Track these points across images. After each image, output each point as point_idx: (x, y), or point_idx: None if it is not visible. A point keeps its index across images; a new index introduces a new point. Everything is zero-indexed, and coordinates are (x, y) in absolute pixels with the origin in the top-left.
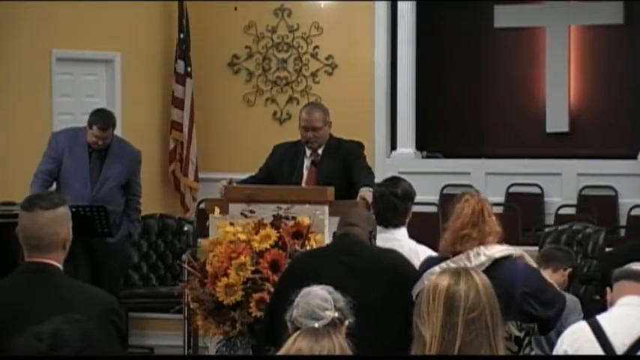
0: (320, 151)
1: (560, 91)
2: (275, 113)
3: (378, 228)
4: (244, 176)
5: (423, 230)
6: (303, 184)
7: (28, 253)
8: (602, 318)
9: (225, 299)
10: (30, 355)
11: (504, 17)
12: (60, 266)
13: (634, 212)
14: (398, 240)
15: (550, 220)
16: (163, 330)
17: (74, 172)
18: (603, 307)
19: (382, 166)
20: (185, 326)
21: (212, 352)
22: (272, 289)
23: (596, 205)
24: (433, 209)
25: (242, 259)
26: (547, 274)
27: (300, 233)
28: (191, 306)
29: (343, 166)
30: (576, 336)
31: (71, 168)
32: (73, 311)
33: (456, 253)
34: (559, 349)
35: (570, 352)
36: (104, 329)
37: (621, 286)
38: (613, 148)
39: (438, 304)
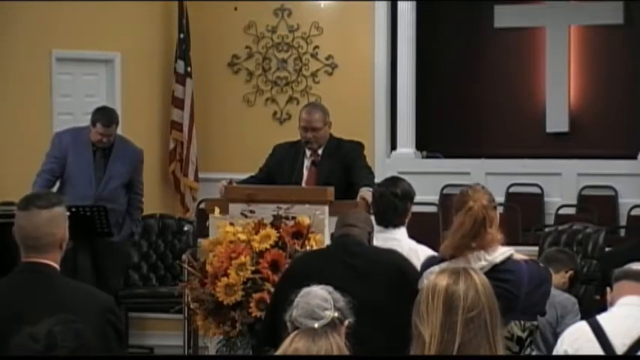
0: (320, 152)
1: (560, 91)
2: (275, 113)
3: (378, 228)
4: (244, 176)
5: (423, 230)
6: (303, 184)
7: (24, 254)
8: (602, 318)
9: (225, 299)
10: (26, 355)
11: (504, 17)
12: (57, 266)
13: (634, 212)
14: (397, 240)
15: (550, 220)
16: (163, 330)
17: (79, 171)
18: (603, 307)
19: (382, 166)
20: (185, 326)
21: (212, 352)
22: (272, 289)
23: (596, 205)
24: (433, 209)
25: (242, 259)
26: None
27: (300, 233)
28: (191, 306)
29: (343, 166)
30: (576, 336)
31: (75, 167)
32: (69, 311)
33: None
34: (559, 349)
35: (570, 352)
36: (101, 329)
37: (621, 286)
38: (613, 148)
39: (437, 304)
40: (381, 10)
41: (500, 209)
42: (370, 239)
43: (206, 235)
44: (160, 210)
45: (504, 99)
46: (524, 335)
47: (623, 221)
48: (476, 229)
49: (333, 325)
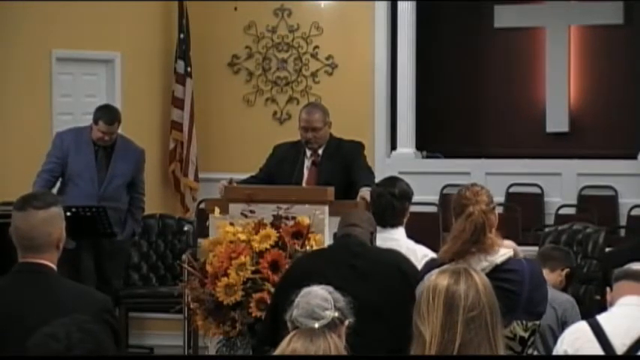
0: (320, 152)
1: (560, 91)
2: (275, 113)
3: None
4: (244, 176)
5: (423, 230)
6: (304, 184)
7: (21, 254)
8: (602, 318)
9: (225, 299)
10: (46, 355)
11: (504, 17)
12: (54, 266)
13: (634, 212)
14: (396, 240)
15: (550, 220)
16: (163, 330)
17: (81, 170)
18: (603, 307)
19: (382, 166)
20: (185, 326)
21: (212, 352)
22: (272, 289)
23: (596, 205)
24: (433, 209)
25: (242, 259)
26: (544, 274)
27: (300, 233)
28: (191, 306)
29: (343, 166)
30: (576, 336)
31: (78, 167)
32: (66, 311)
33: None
34: (559, 349)
35: (570, 352)
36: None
37: (621, 286)
38: (613, 148)
39: (438, 304)
40: (381, 10)
41: (500, 209)
42: (373, 239)
43: (206, 235)
44: (160, 210)
45: (504, 99)
46: (526, 335)
47: (623, 221)
48: (476, 235)
49: (333, 325)
